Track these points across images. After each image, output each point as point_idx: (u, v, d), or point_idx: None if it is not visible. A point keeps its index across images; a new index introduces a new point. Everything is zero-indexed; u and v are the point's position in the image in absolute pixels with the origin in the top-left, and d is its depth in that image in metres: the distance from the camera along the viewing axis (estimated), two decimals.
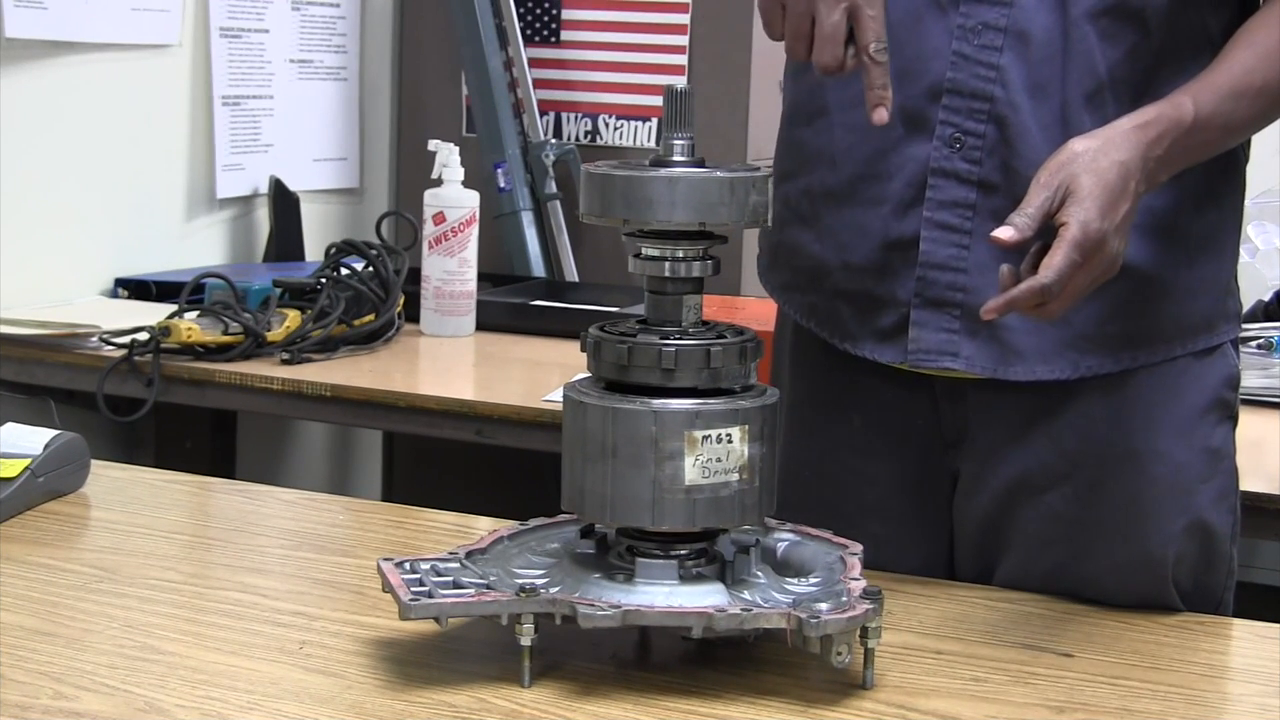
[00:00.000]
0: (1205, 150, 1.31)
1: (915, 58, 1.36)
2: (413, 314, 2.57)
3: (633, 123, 3.13)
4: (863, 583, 1.19)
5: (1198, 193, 1.37)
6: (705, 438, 1.17)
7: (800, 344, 1.51)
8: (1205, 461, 1.39)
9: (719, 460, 1.17)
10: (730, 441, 1.18)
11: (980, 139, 1.34)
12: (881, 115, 1.24)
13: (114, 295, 2.65)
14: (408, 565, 1.21)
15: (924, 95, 1.35)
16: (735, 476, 1.18)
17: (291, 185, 2.94)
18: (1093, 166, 1.23)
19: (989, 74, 1.33)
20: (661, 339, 1.19)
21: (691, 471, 1.17)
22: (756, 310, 2.17)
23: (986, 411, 1.41)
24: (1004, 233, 1.22)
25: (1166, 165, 1.27)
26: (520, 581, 1.19)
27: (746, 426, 1.18)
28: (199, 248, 2.86)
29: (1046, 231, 1.23)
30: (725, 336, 1.21)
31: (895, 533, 1.45)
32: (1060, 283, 1.20)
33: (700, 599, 1.17)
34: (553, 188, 3.07)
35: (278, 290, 2.42)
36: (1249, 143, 1.42)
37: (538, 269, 3.04)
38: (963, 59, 1.34)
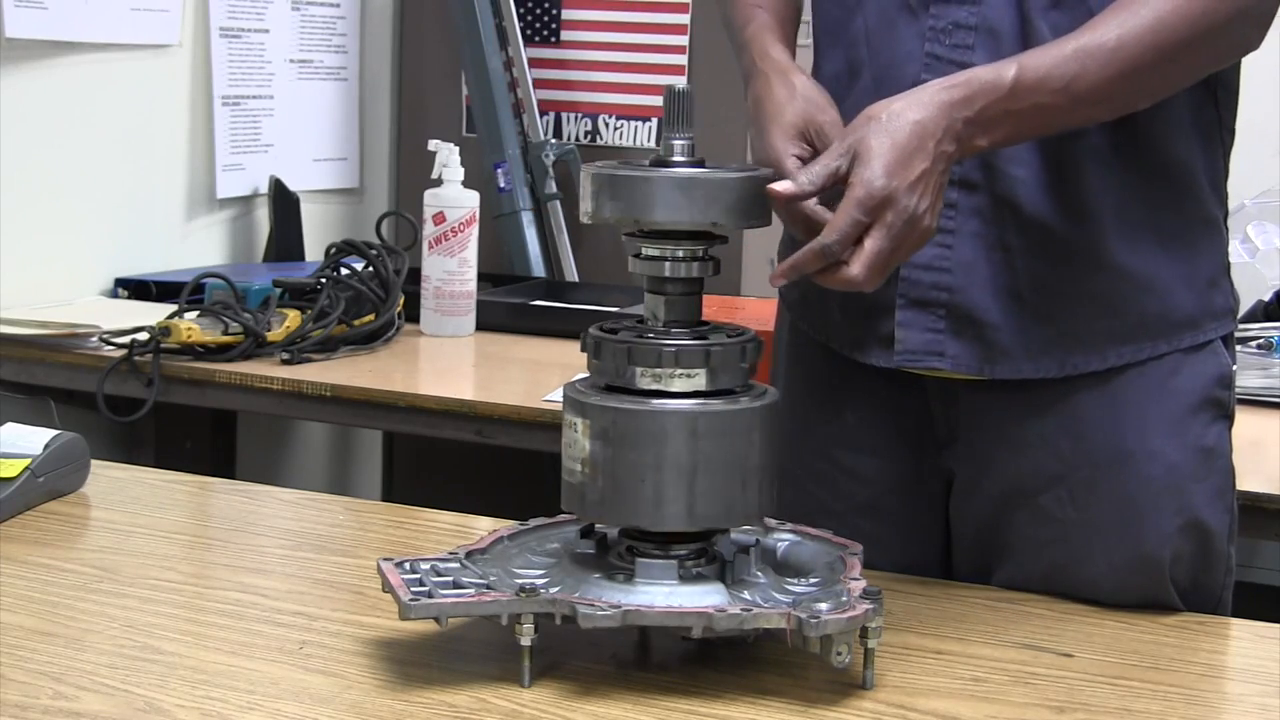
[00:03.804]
0: (1049, 115, 1.27)
1: (890, 63, 1.36)
2: (413, 314, 2.57)
3: (633, 123, 3.13)
4: (863, 583, 1.19)
5: (1174, 187, 1.37)
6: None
7: (796, 343, 1.51)
8: (1199, 460, 1.39)
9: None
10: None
11: None
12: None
13: (114, 295, 2.65)
14: (408, 565, 1.21)
15: None
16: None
17: (291, 185, 2.94)
18: (886, 128, 1.21)
19: None
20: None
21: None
22: (756, 310, 2.18)
23: (978, 412, 1.41)
24: (780, 185, 1.22)
25: (984, 128, 1.25)
26: (520, 581, 1.19)
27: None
28: (199, 248, 2.86)
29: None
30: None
31: (887, 532, 1.45)
32: (843, 243, 1.20)
33: (700, 599, 1.17)
34: (553, 188, 3.07)
35: (278, 290, 2.42)
36: (1229, 135, 1.40)
37: (538, 269, 3.04)
38: (936, 60, 1.34)
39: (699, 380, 1.18)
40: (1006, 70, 1.25)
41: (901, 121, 1.21)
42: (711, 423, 1.17)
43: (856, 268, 1.20)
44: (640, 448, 1.17)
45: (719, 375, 1.19)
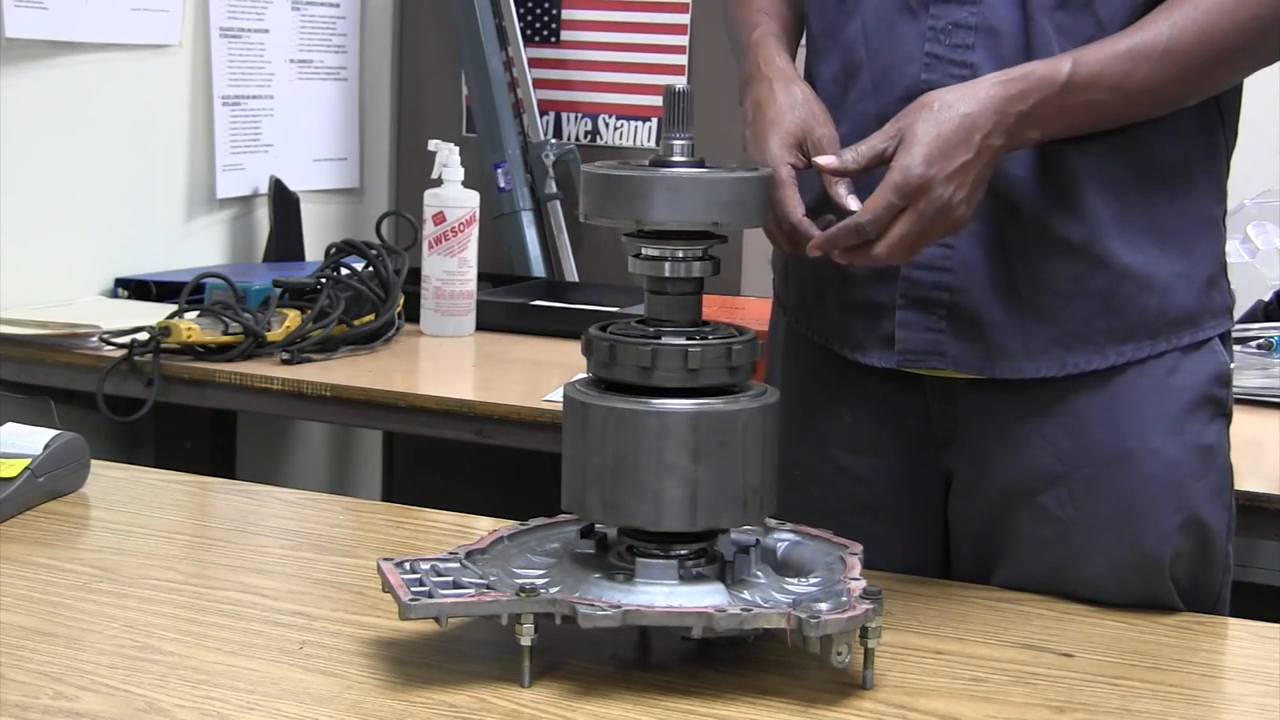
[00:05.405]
0: (1100, 111, 1.29)
1: (890, 64, 1.36)
2: (413, 314, 2.57)
3: (633, 123, 3.13)
4: (863, 583, 1.19)
5: (1173, 185, 1.37)
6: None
7: (792, 344, 1.51)
8: (1198, 458, 1.39)
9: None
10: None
11: None
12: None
13: (114, 295, 2.65)
14: (408, 565, 1.21)
15: (900, 100, 1.35)
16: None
17: (291, 185, 2.94)
18: (935, 117, 1.24)
19: (963, 72, 1.33)
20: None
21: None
22: (756, 310, 2.17)
23: (977, 412, 1.41)
24: (826, 160, 1.27)
25: (1037, 123, 1.27)
26: (520, 581, 1.19)
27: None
28: (199, 248, 2.86)
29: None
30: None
31: (886, 532, 1.45)
32: (875, 224, 1.24)
33: (700, 599, 1.17)
34: (553, 188, 3.07)
35: (278, 290, 2.42)
36: (1231, 133, 1.40)
37: (538, 269, 3.04)
38: (936, 60, 1.34)
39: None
40: (1062, 65, 1.27)
41: (951, 113, 1.24)
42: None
43: (881, 247, 1.25)
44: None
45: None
